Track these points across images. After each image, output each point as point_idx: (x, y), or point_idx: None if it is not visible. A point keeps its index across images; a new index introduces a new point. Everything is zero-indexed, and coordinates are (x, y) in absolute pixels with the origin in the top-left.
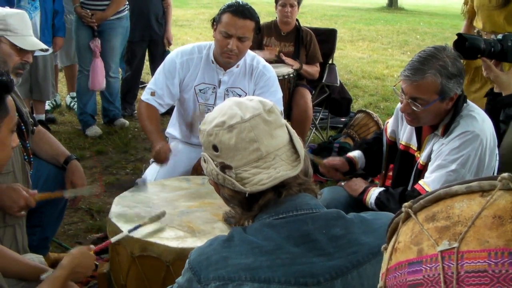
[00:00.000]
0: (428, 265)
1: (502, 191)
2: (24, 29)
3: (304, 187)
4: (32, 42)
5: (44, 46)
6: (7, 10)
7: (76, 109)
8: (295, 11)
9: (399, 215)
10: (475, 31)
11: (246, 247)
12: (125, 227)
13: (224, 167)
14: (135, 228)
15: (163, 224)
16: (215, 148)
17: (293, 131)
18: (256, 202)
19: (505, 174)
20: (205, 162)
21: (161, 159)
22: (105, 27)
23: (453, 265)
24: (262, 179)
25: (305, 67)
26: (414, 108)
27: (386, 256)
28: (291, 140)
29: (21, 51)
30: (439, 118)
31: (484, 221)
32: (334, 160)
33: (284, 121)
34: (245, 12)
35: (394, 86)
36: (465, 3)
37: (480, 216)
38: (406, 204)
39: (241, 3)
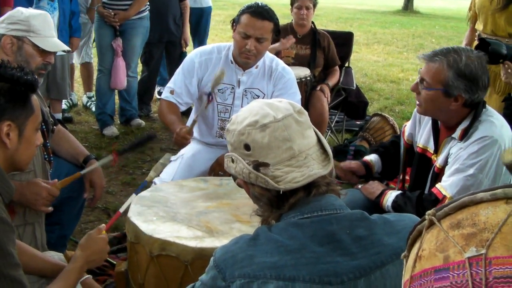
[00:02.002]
0: (456, 272)
1: None
2: (47, 30)
3: (331, 187)
4: (54, 43)
5: (66, 48)
6: (30, 11)
7: (93, 109)
8: (311, 13)
9: (422, 223)
10: (476, 33)
11: (271, 245)
12: (144, 226)
13: (258, 165)
14: (142, 185)
15: (181, 224)
16: (246, 147)
17: (319, 132)
18: (287, 200)
19: None
20: (233, 162)
21: (180, 141)
22: (126, 26)
23: (481, 271)
24: (295, 177)
25: (329, 82)
26: (419, 89)
27: (409, 263)
28: (319, 140)
29: (43, 52)
30: (446, 116)
31: (511, 227)
32: (350, 163)
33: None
34: (264, 13)
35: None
36: (470, 9)
37: (507, 222)
38: (429, 211)
39: (260, 4)
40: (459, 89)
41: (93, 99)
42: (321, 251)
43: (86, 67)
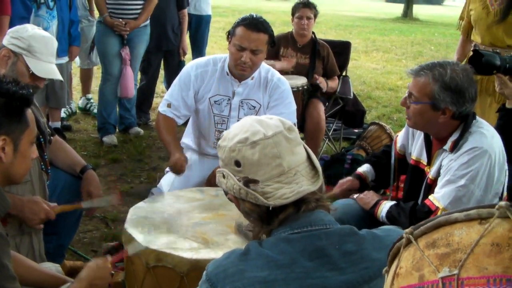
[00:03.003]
0: None
1: (499, 219)
2: (45, 54)
3: (320, 203)
4: (46, 69)
5: (59, 77)
6: (36, 31)
7: (94, 111)
8: (312, 23)
9: (400, 240)
10: (472, 44)
11: (262, 260)
12: (140, 238)
13: (248, 181)
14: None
15: (177, 235)
16: (237, 163)
17: (308, 149)
18: (276, 216)
19: (502, 203)
20: (224, 177)
21: (178, 170)
22: (132, 35)
23: None
24: (285, 193)
25: (329, 83)
26: (408, 103)
27: (388, 279)
28: (308, 157)
29: (33, 75)
30: (435, 129)
31: (483, 248)
32: (343, 183)
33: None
34: (259, 26)
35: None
36: (461, 18)
37: (479, 243)
38: (407, 230)
39: (255, 16)
40: (445, 102)
41: (91, 100)
42: (310, 266)
43: (86, 70)
